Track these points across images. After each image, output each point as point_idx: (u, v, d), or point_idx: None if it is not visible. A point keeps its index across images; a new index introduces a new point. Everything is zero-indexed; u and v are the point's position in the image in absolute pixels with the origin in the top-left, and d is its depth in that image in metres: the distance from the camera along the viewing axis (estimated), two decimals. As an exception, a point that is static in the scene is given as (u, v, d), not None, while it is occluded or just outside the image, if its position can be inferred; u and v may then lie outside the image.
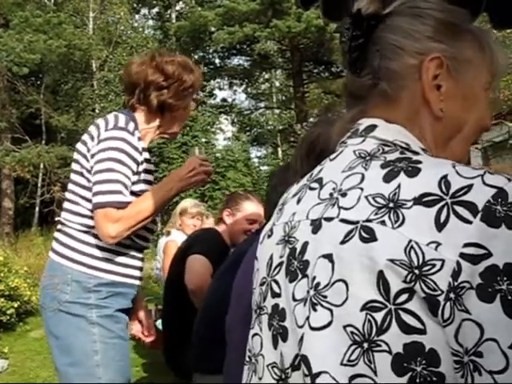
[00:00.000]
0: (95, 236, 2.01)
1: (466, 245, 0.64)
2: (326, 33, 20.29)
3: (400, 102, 0.84)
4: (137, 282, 2.13)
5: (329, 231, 0.76)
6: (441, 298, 0.65)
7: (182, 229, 4.94)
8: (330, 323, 0.72)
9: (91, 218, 2.01)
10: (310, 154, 1.45)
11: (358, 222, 0.72)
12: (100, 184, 1.96)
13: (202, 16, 21.67)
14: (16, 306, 7.57)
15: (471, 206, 0.65)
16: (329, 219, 0.77)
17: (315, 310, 0.74)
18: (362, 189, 0.75)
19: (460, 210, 0.66)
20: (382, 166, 0.76)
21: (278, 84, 28.95)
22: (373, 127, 0.84)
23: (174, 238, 4.82)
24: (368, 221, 0.71)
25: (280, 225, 0.88)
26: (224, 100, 28.11)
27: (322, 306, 0.73)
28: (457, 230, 0.65)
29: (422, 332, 0.65)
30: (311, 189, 0.86)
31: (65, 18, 19.63)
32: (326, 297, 0.73)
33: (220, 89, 28.78)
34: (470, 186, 0.67)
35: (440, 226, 0.66)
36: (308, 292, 0.76)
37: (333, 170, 0.84)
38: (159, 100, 2.12)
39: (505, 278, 0.63)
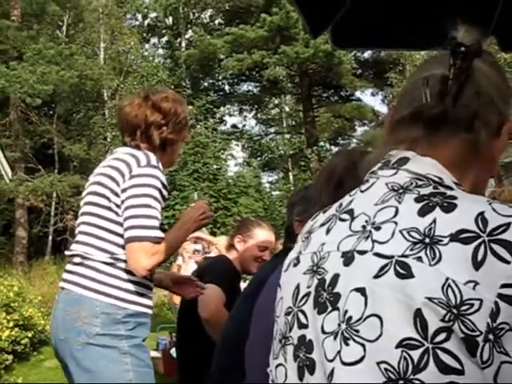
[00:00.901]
0: (120, 268, 2.04)
1: (504, 285, 0.64)
2: (334, 57, 20.50)
3: (454, 148, 0.83)
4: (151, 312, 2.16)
5: (362, 264, 0.75)
6: (480, 339, 0.64)
7: (180, 253, 4.96)
8: (362, 358, 0.70)
9: (117, 251, 2.05)
10: (328, 183, 1.47)
11: (392, 257, 0.71)
12: (136, 218, 2.02)
13: (211, 44, 21.98)
14: (30, 335, 7.57)
15: (509, 246, 0.65)
16: (362, 252, 0.76)
17: (347, 344, 0.72)
18: (396, 223, 0.75)
19: (498, 248, 0.65)
20: (417, 200, 0.75)
21: (287, 109, 29.12)
22: (405, 160, 0.83)
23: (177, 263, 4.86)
24: (404, 256, 0.70)
25: (308, 254, 0.87)
26: (234, 126, 28.30)
27: (354, 340, 0.71)
28: (494, 269, 0.65)
29: (460, 373, 0.64)
30: (341, 220, 0.85)
31: (76, 49, 19.96)
32: (358, 331, 0.71)
33: (230, 115, 29.01)
34: (507, 225, 0.67)
35: (477, 264, 0.65)
36: (339, 325, 0.74)
37: (364, 202, 0.84)
38: (161, 137, 2.21)
39: None
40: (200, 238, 4.10)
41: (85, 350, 1.96)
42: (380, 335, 0.69)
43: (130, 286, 2.05)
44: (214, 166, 18.69)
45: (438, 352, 0.65)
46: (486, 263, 0.65)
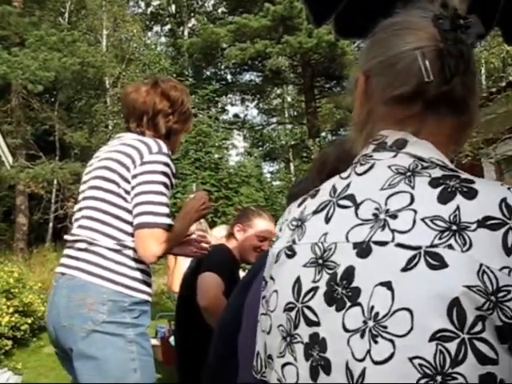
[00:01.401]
0: (126, 256, 2.03)
1: None
2: (337, 48, 20.39)
3: (446, 129, 0.82)
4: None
5: (384, 257, 0.71)
6: None
7: None
8: (392, 355, 0.67)
9: (124, 238, 2.04)
10: (321, 173, 1.46)
11: (420, 248, 0.68)
12: (148, 205, 2.01)
13: (214, 33, 21.85)
14: (30, 321, 7.61)
15: None
16: (381, 243, 0.72)
17: (376, 342, 0.69)
18: (414, 210, 0.71)
19: None
20: (432, 185, 0.73)
21: (289, 99, 29.05)
22: (403, 142, 0.80)
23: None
24: (433, 246, 0.68)
25: (305, 245, 0.82)
26: (236, 116, 28.26)
27: (382, 337, 0.68)
28: None
29: (496, 362, 0.63)
30: (342, 207, 0.80)
31: (79, 36, 19.86)
32: (386, 327, 0.68)
33: (232, 104, 29.02)
34: None
35: (509, 250, 0.64)
36: (365, 323, 0.70)
37: (366, 186, 0.79)
38: (167, 126, 2.22)
39: None
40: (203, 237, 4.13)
41: (90, 337, 1.94)
42: (411, 329, 0.66)
43: (136, 274, 2.05)
44: (216, 156, 18.66)
45: (476, 342, 0.63)
46: None
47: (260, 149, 28.01)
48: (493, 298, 0.63)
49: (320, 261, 0.78)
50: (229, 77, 27.68)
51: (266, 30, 20.83)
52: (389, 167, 0.78)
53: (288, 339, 0.81)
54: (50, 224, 19.76)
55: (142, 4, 28.04)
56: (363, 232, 0.75)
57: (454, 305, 0.64)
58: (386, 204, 0.74)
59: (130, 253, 2.04)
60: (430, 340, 0.64)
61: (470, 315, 0.63)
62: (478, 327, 0.63)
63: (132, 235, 2.05)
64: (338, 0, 1.78)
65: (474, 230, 0.66)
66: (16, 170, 16.77)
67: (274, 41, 20.68)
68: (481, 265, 0.64)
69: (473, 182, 0.71)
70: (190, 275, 3.09)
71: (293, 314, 0.80)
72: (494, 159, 6.93)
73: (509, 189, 0.70)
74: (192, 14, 27.96)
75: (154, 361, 2.13)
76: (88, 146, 19.57)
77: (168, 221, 2.06)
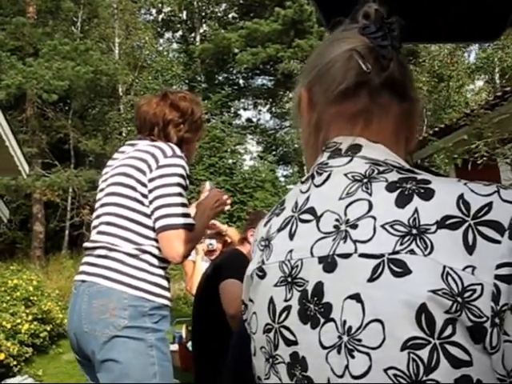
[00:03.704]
0: (144, 261, 2.06)
1: (499, 266, 0.63)
2: (348, 50, 20.36)
3: (392, 119, 0.82)
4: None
5: (349, 269, 0.70)
6: (487, 325, 0.62)
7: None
8: (369, 368, 0.66)
9: (142, 241, 2.06)
10: None
11: (383, 256, 0.67)
12: (170, 207, 2.06)
13: (226, 38, 21.96)
14: (49, 329, 7.68)
15: (496, 225, 0.64)
16: (345, 256, 0.71)
17: (353, 356, 0.68)
18: (374, 217, 0.70)
19: (485, 230, 0.64)
20: (389, 189, 0.72)
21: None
22: (358, 147, 0.79)
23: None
24: (395, 252, 0.67)
25: (273, 264, 0.81)
26: (249, 120, 28.28)
27: (358, 351, 0.67)
28: (487, 251, 0.63)
29: (470, 364, 0.62)
30: (304, 221, 0.79)
31: (91, 45, 20.07)
32: (360, 340, 0.67)
33: (245, 109, 29.00)
34: (489, 205, 0.66)
35: (470, 248, 0.64)
36: (340, 338, 0.69)
37: (326, 197, 0.78)
38: (178, 136, 2.25)
39: None
40: (214, 225, 4.11)
41: (112, 342, 1.96)
42: (383, 340, 0.65)
43: (155, 279, 2.07)
44: (230, 161, 18.71)
45: (447, 347, 0.62)
46: (477, 246, 0.64)
47: (273, 153, 28.01)
48: (459, 299, 0.62)
49: (289, 279, 0.77)
50: (241, 81, 27.78)
51: (277, 34, 20.89)
52: (345, 175, 0.77)
53: (271, 360, 0.80)
54: (66, 231, 19.90)
55: (154, 11, 28.25)
56: (326, 245, 0.74)
57: (422, 311, 0.63)
58: (345, 214, 0.74)
59: (149, 258, 2.07)
60: (402, 349, 0.64)
61: (438, 320, 0.63)
62: (448, 331, 0.63)
63: (150, 239, 2.07)
64: (351, 5, 1.78)
65: (434, 232, 0.66)
66: (32, 179, 16.95)
67: (285, 45, 20.74)
68: (444, 267, 0.64)
69: (429, 182, 0.71)
70: (206, 281, 3.09)
71: (271, 335, 0.79)
72: (510, 159, 6.87)
73: (465, 184, 0.69)
74: (203, 20, 28.08)
75: (173, 367, 2.15)
76: (102, 154, 19.71)
77: (190, 221, 2.10)
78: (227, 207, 2.47)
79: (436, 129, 9.10)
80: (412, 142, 0.87)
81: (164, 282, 2.11)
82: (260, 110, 29.50)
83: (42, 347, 7.57)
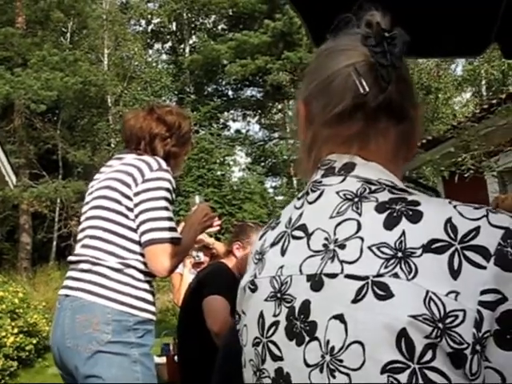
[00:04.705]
0: (128, 275, 2.04)
1: (484, 292, 0.62)
2: (337, 63, 20.49)
3: (390, 141, 0.81)
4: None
5: (335, 289, 0.71)
6: (467, 352, 0.61)
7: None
8: None
9: (126, 255, 2.05)
10: None
11: (367, 278, 0.67)
12: (155, 221, 2.05)
13: (215, 49, 22.04)
14: (35, 342, 7.59)
15: (483, 251, 0.64)
16: (331, 275, 0.71)
17: (334, 376, 0.68)
18: (361, 238, 0.71)
19: (472, 255, 0.64)
20: (378, 210, 0.72)
21: (291, 114, 29.10)
22: (352, 165, 0.79)
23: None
24: (379, 275, 0.67)
25: (265, 279, 0.82)
26: (238, 131, 28.32)
27: (339, 371, 0.67)
28: (472, 277, 0.63)
29: None
30: (296, 238, 0.80)
31: (80, 56, 20.05)
32: (341, 361, 0.67)
33: (234, 120, 29.03)
34: (477, 229, 0.66)
35: (455, 273, 0.63)
36: (323, 357, 0.70)
37: (317, 215, 0.79)
38: (165, 150, 2.25)
39: None
40: (200, 240, 4.10)
41: (95, 357, 1.94)
42: (363, 362, 0.65)
43: (140, 293, 2.06)
44: (219, 172, 18.70)
45: (426, 372, 0.62)
46: (462, 271, 0.63)
47: (262, 164, 28.04)
48: (440, 325, 0.62)
49: (278, 294, 0.78)
50: (230, 93, 27.85)
51: (267, 46, 21.00)
52: (337, 193, 0.78)
53: (258, 374, 0.81)
54: (54, 243, 19.76)
55: (143, 22, 28.30)
56: (315, 264, 0.74)
57: (402, 336, 0.63)
58: (334, 233, 0.74)
59: (133, 272, 2.06)
60: (382, 372, 0.64)
61: (418, 345, 0.62)
62: (428, 356, 0.62)
63: (135, 253, 2.06)
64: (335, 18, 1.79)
65: (420, 256, 0.65)
66: (19, 190, 16.83)
67: (274, 57, 20.85)
68: (427, 292, 0.63)
69: (418, 203, 0.71)
70: (189, 295, 3.08)
71: (259, 348, 0.80)
72: (497, 171, 6.92)
73: (455, 207, 0.69)
74: (193, 32, 28.17)
75: (160, 380, 2.13)
76: (91, 165, 19.64)
77: (176, 234, 2.10)
78: (216, 228, 2.48)
79: (423, 141, 9.16)
80: (410, 157, 0.87)
81: (148, 296, 2.09)
82: (249, 122, 29.56)
83: (27, 360, 7.49)
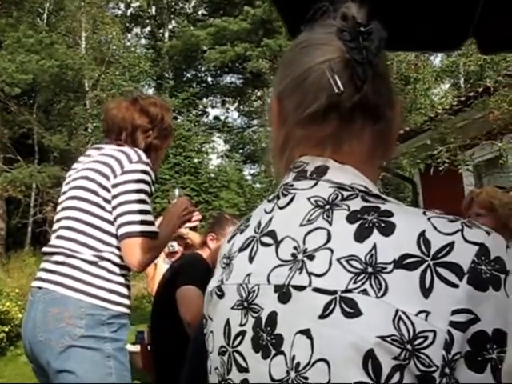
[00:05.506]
0: (103, 268, 2.01)
1: (455, 311, 0.60)
2: (317, 51, 20.51)
3: (365, 142, 0.77)
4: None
5: (302, 302, 0.68)
6: (436, 375, 0.59)
7: None
8: None
9: (101, 247, 2.02)
10: None
11: (335, 293, 0.65)
12: (133, 214, 2.02)
13: (194, 35, 21.86)
14: (7, 330, 7.51)
15: (456, 268, 0.62)
16: (299, 288, 0.69)
17: None
18: (331, 250, 0.68)
19: (444, 272, 0.62)
20: (349, 220, 0.69)
21: (270, 101, 29.05)
22: (324, 168, 0.76)
23: None
24: (348, 291, 0.64)
25: (232, 286, 0.79)
26: (217, 118, 28.21)
27: None
28: (444, 295, 0.61)
29: None
30: (264, 244, 0.77)
31: (57, 38, 19.72)
32: (306, 378, 0.65)
33: (212, 107, 28.90)
34: (451, 245, 0.63)
35: (426, 291, 0.61)
36: (288, 373, 0.67)
37: (287, 221, 0.76)
38: (146, 142, 2.22)
39: (494, 346, 0.60)
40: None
41: (67, 351, 1.91)
42: (329, 381, 0.63)
43: (114, 287, 2.03)
44: (196, 160, 18.62)
45: None
46: (434, 289, 0.61)
47: (241, 151, 28.00)
48: (409, 346, 0.60)
49: (245, 303, 0.76)
50: (209, 79, 27.67)
51: (246, 32, 20.89)
52: (308, 199, 0.75)
53: (223, 383, 0.79)
54: (29, 228, 19.51)
55: (122, 5, 27.86)
56: (283, 274, 0.72)
57: (369, 357, 0.61)
58: (304, 242, 0.71)
59: (108, 265, 2.02)
60: None
61: (385, 367, 0.60)
62: (396, 378, 0.60)
63: (110, 245, 2.03)
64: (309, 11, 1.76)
65: (390, 272, 0.63)
66: (-7, 174, 16.57)
67: (253, 44, 20.75)
68: (397, 311, 0.61)
69: (391, 214, 0.68)
70: (164, 285, 3.08)
71: (225, 358, 0.78)
72: (472, 164, 6.99)
73: (429, 219, 0.67)
74: (172, 16, 27.87)
75: (134, 368, 2.11)
76: (67, 150, 19.40)
77: (153, 228, 2.07)
78: (195, 223, 2.47)
79: (401, 132, 9.21)
80: (388, 157, 0.84)
81: (123, 290, 2.06)
82: (228, 108, 29.48)
83: (-1, 348, 7.43)
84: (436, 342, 0.60)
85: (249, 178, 26.44)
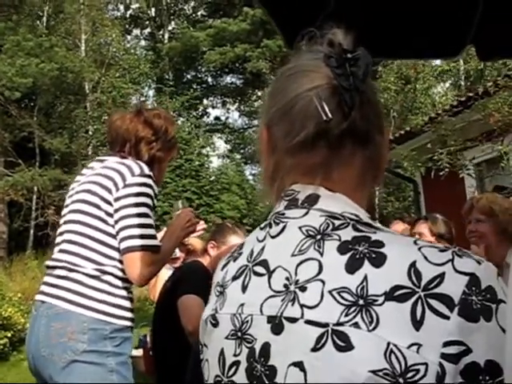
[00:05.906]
0: (105, 282, 2.01)
1: (447, 343, 0.60)
2: (316, 51, 20.52)
3: (355, 168, 0.77)
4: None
5: (295, 335, 0.68)
6: None
7: None
8: None
9: (103, 261, 2.01)
10: None
11: (327, 325, 0.65)
12: (135, 228, 2.01)
13: (194, 37, 21.87)
14: (9, 335, 7.51)
15: (447, 299, 0.62)
16: (292, 320, 0.69)
17: None
18: (323, 282, 0.68)
19: (435, 303, 0.62)
20: (340, 251, 0.69)
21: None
22: (316, 197, 0.76)
23: None
24: (339, 324, 0.64)
25: (225, 315, 0.80)
26: (217, 118, 28.23)
27: None
28: (435, 327, 0.61)
29: None
30: (257, 274, 0.77)
31: (57, 41, 19.68)
32: None
33: (213, 107, 28.93)
34: (441, 276, 0.63)
35: (417, 324, 0.61)
36: None
37: (279, 251, 0.76)
38: (149, 154, 2.21)
39: (487, 377, 0.60)
40: None
41: (70, 367, 1.90)
42: None
43: (116, 300, 2.02)
44: (197, 163, 18.60)
45: None
46: (425, 321, 0.61)
47: (242, 151, 28.01)
48: (401, 379, 0.59)
49: (239, 333, 0.76)
50: (209, 80, 27.72)
51: (246, 33, 20.89)
52: (300, 228, 0.75)
53: None
54: (31, 231, 19.50)
55: (121, 7, 27.89)
56: (276, 305, 0.72)
57: None
58: (296, 273, 0.72)
59: (111, 279, 2.02)
60: None
61: None
62: None
63: (113, 259, 2.03)
64: (308, 22, 1.76)
65: (381, 304, 0.63)
66: (-5, 178, 16.58)
67: (253, 45, 20.75)
68: (388, 344, 0.61)
69: (382, 245, 0.68)
70: (165, 293, 3.08)
71: None
72: (473, 165, 6.98)
73: (420, 248, 0.67)
74: (172, 18, 27.88)
75: (137, 372, 2.11)
76: (68, 152, 19.39)
77: (155, 242, 2.07)
78: (199, 232, 2.44)
79: (401, 132, 9.19)
80: (377, 183, 0.84)
81: (126, 303, 2.06)
82: (228, 109, 29.50)
83: (1, 354, 7.42)
84: (428, 375, 0.60)
85: (250, 178, 26.48)
